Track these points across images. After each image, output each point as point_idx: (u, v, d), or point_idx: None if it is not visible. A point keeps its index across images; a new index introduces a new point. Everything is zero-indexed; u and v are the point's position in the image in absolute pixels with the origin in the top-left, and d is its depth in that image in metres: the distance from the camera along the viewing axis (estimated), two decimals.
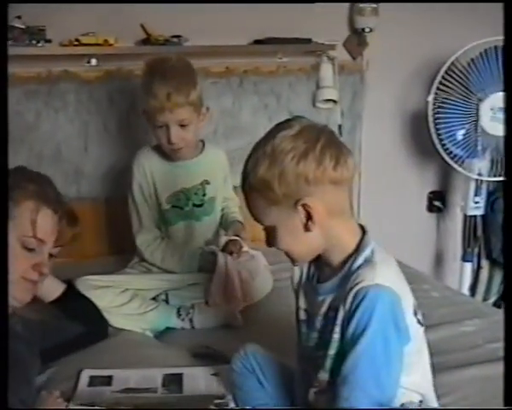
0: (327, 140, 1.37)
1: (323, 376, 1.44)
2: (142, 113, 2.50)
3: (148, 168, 2.52)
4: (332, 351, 1.40)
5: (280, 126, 1.40)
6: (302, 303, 1.56)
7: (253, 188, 1.39)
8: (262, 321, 2.28)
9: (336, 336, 1.38)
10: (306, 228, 1.38)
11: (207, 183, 2.56)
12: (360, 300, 1.31)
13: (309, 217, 1.37)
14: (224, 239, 2.53)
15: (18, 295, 1.72)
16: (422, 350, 1.47)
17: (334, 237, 1.41)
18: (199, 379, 1.90)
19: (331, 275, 1.44)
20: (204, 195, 2.56)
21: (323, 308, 1.44)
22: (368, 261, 1.38)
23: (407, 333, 1.36)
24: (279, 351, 1.87)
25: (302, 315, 1.56)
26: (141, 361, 2.01)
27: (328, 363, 1.41)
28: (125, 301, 2.30)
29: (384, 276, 1.34)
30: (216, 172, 2.59)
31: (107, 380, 1.88)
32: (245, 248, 2.50)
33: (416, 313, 1.41)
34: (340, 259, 1.43)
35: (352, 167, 1.39)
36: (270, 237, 1.44)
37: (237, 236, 2.50)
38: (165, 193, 2.53)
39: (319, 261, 1.49)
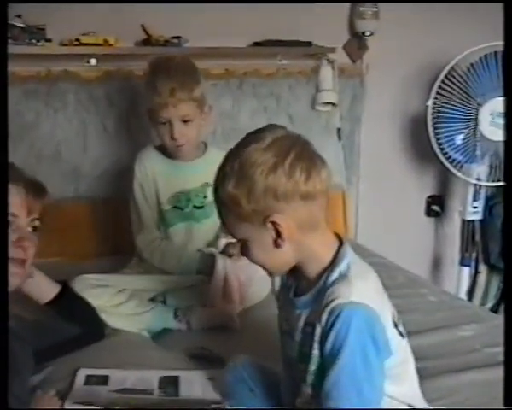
0: (298, 153, 1.33)
1: (306, 390, 1.43)
2: (145, 112, 2.50)
3: (149, 168, 2.53)
4: (313, 367, 1.39)
5: (251, 138, 1.36)
6: (282, 313, 1.56)
7: (222, 203, 1.38)
8: (259, 324, 2.27)
9: (316, 352, 1.37)
10: (276, 244, 1.36)
11: (208, 185, 2.54)
12: (335, 318, 1.30)
13: (278, 234, 1.35)
14: (223, 242, 2.51)
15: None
16: (407, 361, 1.46)
17: (309, 251, 1.40)
18: (195, 383, 1.89)
19: (307, 289, 1.43)
20: (205, 197, 2.56)
21: (301, 322, 1.43)
22: (343, 276, 1.36)
23: (387, 347, 1.34)
24: (275, 354, 1.88)
25: (284, 325, 1.55)
26: (137, 362, 2.00)
27: (310, 378, 1.40)
28: (122, 300, 2.30)
29: (360, 292, 1.32)
30: None
31: (104, 380, 1.87)
32: None
33: (396, 325, 1.40)
34: (316, 272, 1.41)
35: (325, 179, 1.36)
36: (244, 250, 1.43)
37: None
38: (166, 194, 2.53)
39: (296, 273, 1.47)
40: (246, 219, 1.35)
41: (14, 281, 1.75)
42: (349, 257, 1.40)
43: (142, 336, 2.25)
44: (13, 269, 1.73)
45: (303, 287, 1.45)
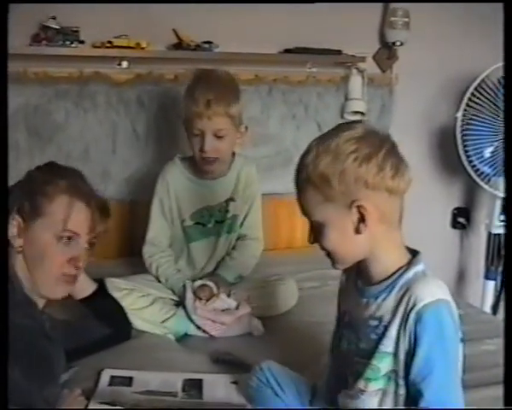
0: (389, 148, 1.39)
1: (359, 383, 1.44)
2: (182, 122, 2.50)
3: (172, 184, 2.53)
4: (375, 362, 1.40)
5: (344, 126, 1.43)
6: (344, 304, 1.58)
7: (309, 181, 1.40)
8: (283, 330, 2.28)
9: (386, 349, 1.39)
10: (357, 230, 1.39)
11: (232, 200, 2.56)
12: (426, 318, 1.33)
13: (362, 219, 1.38)
14: (198, 283, 2.42)
15: (56, 290, 1.77)
16: None
17: (379, 245, 1.42)
18: (219, 386, 1.90)
19: (377, 280, 1.45)
20: (227, 211, 2.56)
21: (366, 312, 1.45)
22: (420, 276, 1.39)
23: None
24: (299, 360, 1.88)
25: (345, 317, 1.56)
26: (161, 364, 2.01)
27: (369, 373, 1.42)
28: (146, 304, 2.32)
29: (442, 289, 1.37)
30: (242, 187, 2.58)
31: (128, 381, 1.88)
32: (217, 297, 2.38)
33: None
34: (380, 272, 1.44)
35: (407, 181, 1.41)
36: (317, 234, 1.44)
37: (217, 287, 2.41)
38: (189, 210, 2.54)
39: (362, 267, 1.49)
40: (331, 200, 1.39)
41: (62, 292, 1.80)
42: (423, 265, 1.43)
43: (167, 338, 2.27)
44: (62, 283, 1.77)
45: (370, 279, 1.47)
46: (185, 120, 2.45)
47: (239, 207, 2.58)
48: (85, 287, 2.03)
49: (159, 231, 2.54)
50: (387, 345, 1.39)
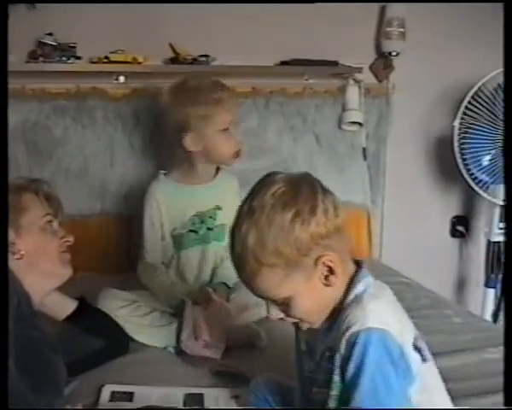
0: (320, 188, 1.34)
1: None
2: (197, 124, 2.48)
3: (160, 198, 2.55)
4: (334, 392, 1.36)
5: (263, 191, 1.35)
6: (300, 335, 1.55)
7: (263, 264, 1.32)
8: (284, 341, 2.26)
9: (337, 377, 1.35)
10: (327, 283, 1.36)
11: (219, 208, 2.58)
12: (352, 344, 1.29)
13: (330, 271, 1.34)
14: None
15: (63, 270, 1.96)
16: (431, 389, 1.42)
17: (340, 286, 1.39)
18: (220, 401, 1.89)
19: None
20: (214, 220, 2.58)
21: (320, 346, 1.43)
22: (358, 299, 1.35)
23: (410, 372, 1.33)
24: None
25: (302, 346, 1.54)
26: (162, 378, 2.00)
27: (332, 403, 1.37)
28: (146, 311, 2.32)
29: (376, 316, 1.31)
30: (228, 198, 2.59)
31: (129, 396, 1.87)
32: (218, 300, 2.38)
33: (418, 349, 1.38)
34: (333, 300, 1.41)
35: (342, 210, 1.36)
36: (284, 308, 1.40)
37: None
38: (182, 219, 2.55)
39: None
40: (295, 270, 1.32)
41: (69, 271, 1.98)
42: (366, 280, 1.40)
43: (167, 351, 2.26)
44: (65, 261, 1.97)
45: None
46: (205, 117, 2.45)
47: (227, 217, 2.57)
48: (64, 306, 2.05)
49: (153, 250, 2.56)
50: (336, 373, 1.34)
